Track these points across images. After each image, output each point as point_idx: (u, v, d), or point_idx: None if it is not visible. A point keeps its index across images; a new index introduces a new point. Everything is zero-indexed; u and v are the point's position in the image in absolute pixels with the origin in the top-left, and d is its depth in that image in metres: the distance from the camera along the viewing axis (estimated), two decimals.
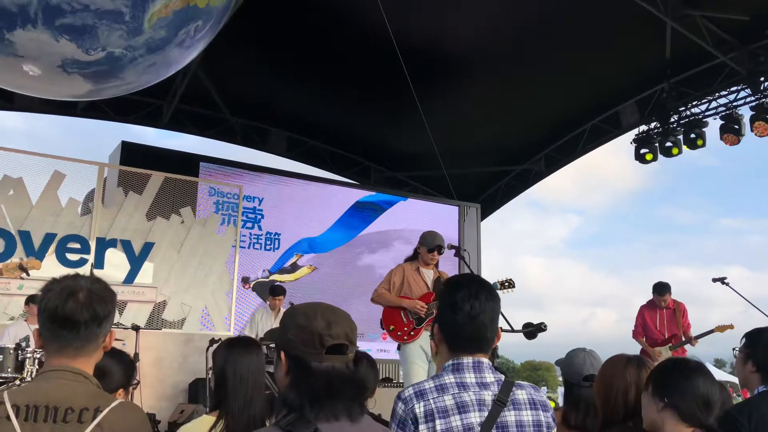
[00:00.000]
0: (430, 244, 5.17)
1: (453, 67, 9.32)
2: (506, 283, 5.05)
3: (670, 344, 7.37)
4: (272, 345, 1.61)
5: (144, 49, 4.46)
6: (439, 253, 5.20)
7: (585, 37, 8.71)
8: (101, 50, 4.28)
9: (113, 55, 4.35)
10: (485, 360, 1.97)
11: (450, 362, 1.96)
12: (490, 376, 1.94)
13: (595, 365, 2.78)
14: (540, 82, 9.71)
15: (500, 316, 2.10)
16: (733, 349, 2.68)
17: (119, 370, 2.48)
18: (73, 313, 1.66)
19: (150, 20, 4.27)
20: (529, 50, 8.99)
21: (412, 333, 5.06)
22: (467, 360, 1.95)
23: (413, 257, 5.33)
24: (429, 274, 5.24)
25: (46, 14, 3.95)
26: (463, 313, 1.96)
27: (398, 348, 5.22)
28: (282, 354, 1.65)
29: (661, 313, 7.53)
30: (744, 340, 2.59)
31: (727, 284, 6.40)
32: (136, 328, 6.04)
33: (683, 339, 7.37)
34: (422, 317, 5.01)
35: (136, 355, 5.76)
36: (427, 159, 9.88)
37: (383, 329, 5.30)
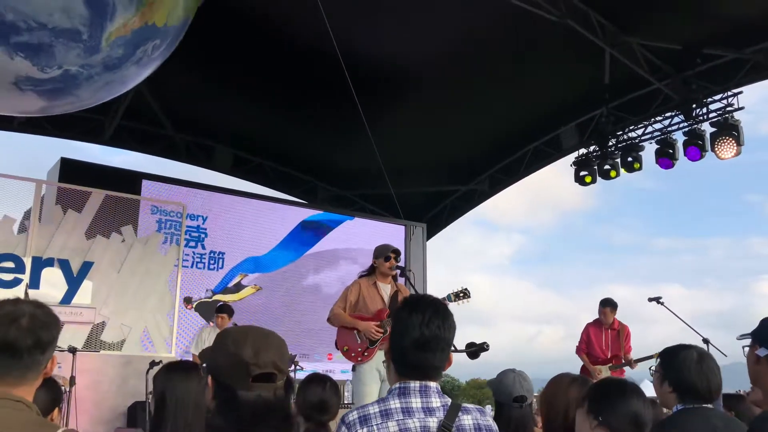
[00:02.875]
0: (385, 252, 5.11)
1: (399, 86, 9.42)
2: (461, 294, 4.91)
3: (611, 364, 7.53)
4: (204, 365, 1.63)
5: (101, 67, 4.46)
6: (397, 257, 5.12)
7: (527, 61, 8.94)
8: (57, 68, 4.26)
9: (69, 73, 4.34)
10: (433, 384, 1.95)
11: (397, 385, 1.95)
12: (436, 401, 1.92)
13: (525, 386, 2.84)
14: (483, 103, 9.89)
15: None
16: (650, 368, 2.69)
17: (42, 393, 2.39)
18: (16, 339, 1.60)
19: (108, 39, 4.27)
20: (473, 72, 9.17)
21: (365, 354, 4.99)
22: (414, 384, 1.93)
23: (370, 272, 5.24)
24: (386, 289, 5.16)
25: (1, 32, 3.92)
26: (412, 339, 1.94)
27: (353, 368, 5.14)
28: (209, 378, 1.63)
29: (606, 332, 7.70)
30: (658, 360, 2.58)
31: (662, 303, 6.57)
32: (72, 351, 5.84)
33: (623, 361, 7.55)
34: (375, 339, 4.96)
35: (72, 378, 5.57)
36: (374, 177, 9.93)
37: (338, 349, 5.22)
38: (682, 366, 2.44)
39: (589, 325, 7.83)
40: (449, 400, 1.94)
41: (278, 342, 1.67)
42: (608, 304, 7.72)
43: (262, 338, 1.64)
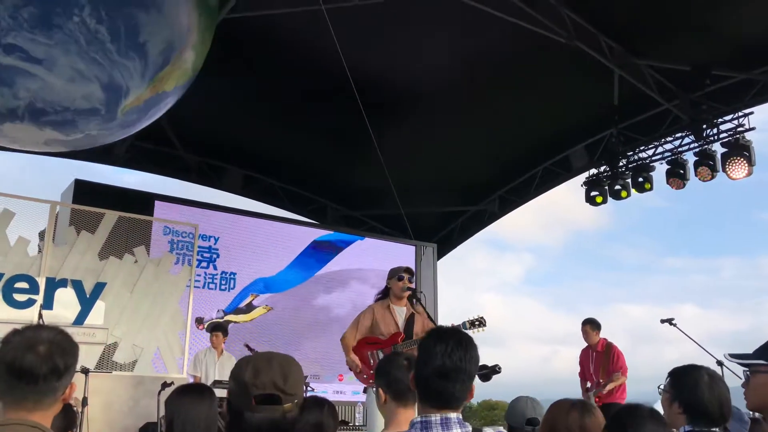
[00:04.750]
0: (398, 272, 5.16)
1: (410, 106, 9.50)
2: (476, 322, 4.93)
3: (593, 391, 7.31)
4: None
5: (118, 128, 5.21)
6: (411, 277, 5.15)
7: (537, 82, 8.99)
8: (80, 133, 4.98)
9: (90, 135, 5.09)
10: (453, 415, 1.97)
11: (418, 419, 1.98)
12: (457, 431, 1.95)
13: (537, 410, 2.89)
14: (493, 123, 9.94)
15: None
16: (658, 386, 2.58)
17: (56, 418, 2.42)
18: (32, 366, 1.64)
19: (123, 110, 4.91)
20: (483, 93, 9.23)
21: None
22: (435, 417, 1.95)
23: (384, 295, 5.27)
24: (401, 312, 5.17)
25: (32, 114, 4.59)
26: (433, 368, 1.97)
27: (364, 390, 5.18)
28: (224, 404, 1.68)
29: (593, 355, 7.56)
30: (668, 379, 2.51)
31: (675, 325, 6.50)
32: (85, 371, 5.85)
33: (600, 386, 7.29)
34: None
35: (85, 399, 5.58)
36: (384, 197, 9.97)
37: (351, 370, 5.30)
38: (694, 388, 2.37)
39: (582, 351, 7.72)
40: (470, 428, 1.98)
41: (282, 364, 1.67)
42: (587, 323, 7.59)
43: (263, 361, 1.66)
